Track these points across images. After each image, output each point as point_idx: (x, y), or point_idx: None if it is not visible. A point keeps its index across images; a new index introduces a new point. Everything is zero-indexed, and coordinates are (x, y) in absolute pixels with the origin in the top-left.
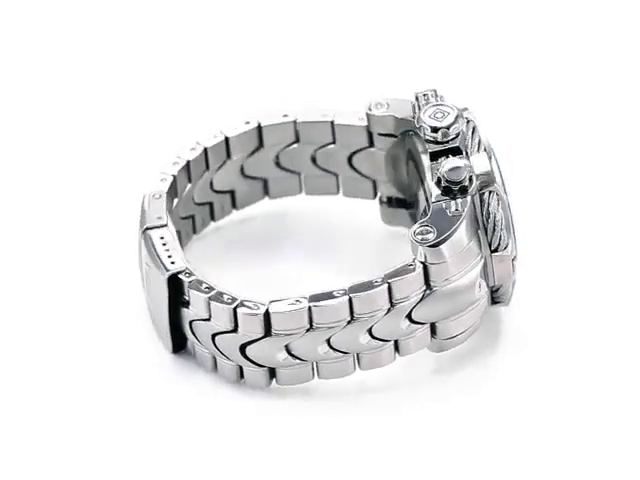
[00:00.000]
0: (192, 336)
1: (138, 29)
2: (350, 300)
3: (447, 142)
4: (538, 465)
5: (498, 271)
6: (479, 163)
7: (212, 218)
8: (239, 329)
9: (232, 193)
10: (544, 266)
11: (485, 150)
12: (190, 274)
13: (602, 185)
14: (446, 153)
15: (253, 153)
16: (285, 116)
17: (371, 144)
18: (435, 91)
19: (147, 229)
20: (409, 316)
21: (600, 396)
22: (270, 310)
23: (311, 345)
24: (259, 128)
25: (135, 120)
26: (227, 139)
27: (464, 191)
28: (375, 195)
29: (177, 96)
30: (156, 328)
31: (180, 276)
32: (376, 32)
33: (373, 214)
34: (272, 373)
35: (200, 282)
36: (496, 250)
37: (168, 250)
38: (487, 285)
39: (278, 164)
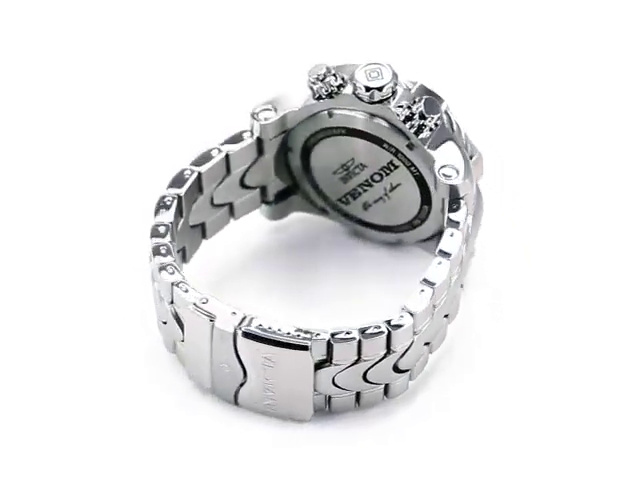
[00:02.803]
0: (334, 389)
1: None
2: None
3: (390, 97)
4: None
5: (475, 174)
6: (421, 92)
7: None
8: (392, 349)
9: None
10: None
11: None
12: (317, 333)
13: (586, 179)
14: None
15: (178, 224)
16: (189, 174)
17: (261, 153)
18: (326, 65)
19: (240, 331)
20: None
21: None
22: (414, 311)
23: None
24: (179, 198)
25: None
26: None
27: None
28: (262, 201)
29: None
30: (285, 409)
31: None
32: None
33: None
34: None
35: (336, 333)
36: (472, 157)
37: (279, 329)
38: None
39: (191, 227)
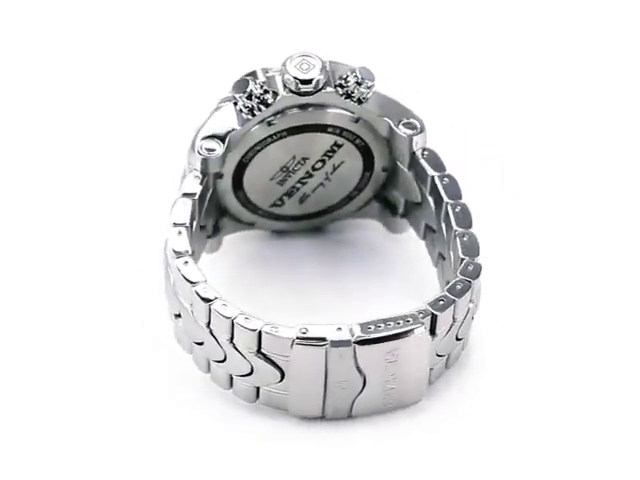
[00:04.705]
0: (436, 359)
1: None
2: None
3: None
4: None
5: None
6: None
7: None
8: (472, 300)
9: None
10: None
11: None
12: (418, 311)
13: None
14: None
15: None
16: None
17: (208, 189)
18: (247, 78)
19: (357, 341)
20: None
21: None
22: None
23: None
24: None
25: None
26: None
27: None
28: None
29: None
30: (403, 398)
31: None
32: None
33: None
34: None
35: (433, 302)
36: None
37: (389, 323)
38: None
39: None
